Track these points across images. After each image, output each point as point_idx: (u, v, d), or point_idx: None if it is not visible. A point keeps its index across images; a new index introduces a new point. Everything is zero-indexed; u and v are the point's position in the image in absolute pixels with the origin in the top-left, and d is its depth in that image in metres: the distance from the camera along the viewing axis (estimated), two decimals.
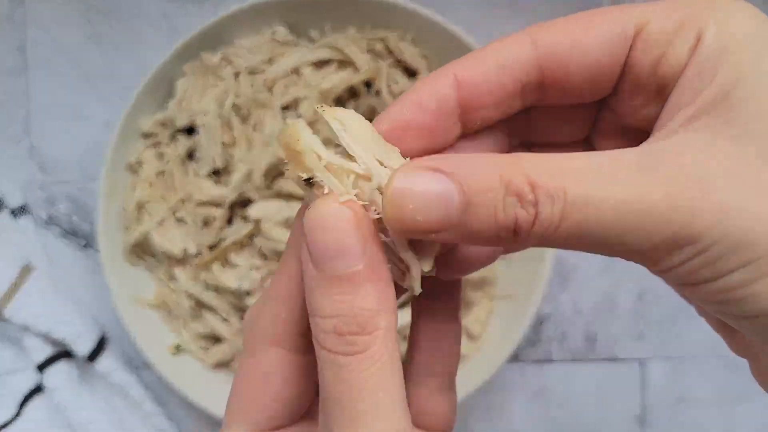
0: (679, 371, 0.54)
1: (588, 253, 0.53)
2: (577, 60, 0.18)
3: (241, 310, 0.47)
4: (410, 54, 0.46)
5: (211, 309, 0.48)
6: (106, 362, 0.50)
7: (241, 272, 0.45)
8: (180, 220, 0.47)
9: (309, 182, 0.17)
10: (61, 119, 0.53)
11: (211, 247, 0.46)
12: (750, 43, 0.17)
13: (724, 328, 0.22)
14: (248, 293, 0.45)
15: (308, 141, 0.18)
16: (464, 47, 0.44)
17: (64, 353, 0.50)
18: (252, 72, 0.46)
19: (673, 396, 0.54)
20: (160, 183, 0.47)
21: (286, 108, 0.45)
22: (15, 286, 0.49)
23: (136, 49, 0.52)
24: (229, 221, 0.47)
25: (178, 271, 0.48)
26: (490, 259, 0.22)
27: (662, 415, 0.55)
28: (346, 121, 0.18)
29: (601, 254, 0.17)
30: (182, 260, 0.47)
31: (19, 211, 0.53)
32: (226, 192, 0.45)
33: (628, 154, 0.16)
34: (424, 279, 0.19)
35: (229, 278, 0.45)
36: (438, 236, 0.17)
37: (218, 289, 0.47)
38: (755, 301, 0.16)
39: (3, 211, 0.52)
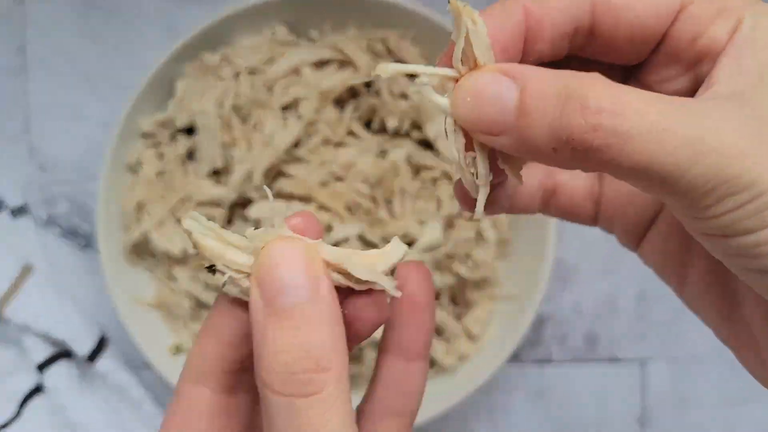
0: (680, 372, 0.54)
1: (589, 254, 0.53)
2: (627, 16, 0.19)
3: None
4: (410, 54, 0.46)
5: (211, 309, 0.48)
6: (106, 362, 0.50)
7: None
8: (180, 221, 0.47)
9: (211, 269, 0.18)
10: (60, 119, 0.53)
11: None
12: None
13: (717, 315, 0.23)
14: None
15: (201, 236, 0.18)
16: None
17: (64, 353, 0.50)
18: (252, 72, 0.46)
19: (674, 397, 0.54)
20: (160, 183, 0.47)
21: (286, 108, 0.45)
22: (15, 286, 0.49)
23: (135, 49, 0.52)
24: (230, 221, 0.47)
25: (178, 271, 0.48)
26: (531, 208, 0.23)
27: (663, 416, 0.54)
28: (479, 25, 0.18)
29: (649, 190, 0.17)
30: (182, 260, 0.47)
31: (19, 211, 0.53)
32: (226, 192, 0.45)
33: (694, 101, 0.17)
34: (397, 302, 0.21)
35: None
36: (497, 140, 0.17)
37: (218, 290, 0.47)
38: None
39: (3, 212, 0.52)
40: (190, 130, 0.47)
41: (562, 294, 0.53)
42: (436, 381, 0.49)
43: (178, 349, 0.49)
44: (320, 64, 0.46)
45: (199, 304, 0.48)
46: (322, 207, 0.44)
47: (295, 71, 0.46)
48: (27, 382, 0.52)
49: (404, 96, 0.46)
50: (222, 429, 0.18)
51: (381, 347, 0.22)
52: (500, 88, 0.17)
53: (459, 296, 0.45)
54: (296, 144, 0.45)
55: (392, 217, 0.44)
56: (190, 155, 0.48)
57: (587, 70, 0.20)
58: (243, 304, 0.19)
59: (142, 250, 0.49)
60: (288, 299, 0.16)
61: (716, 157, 0.16)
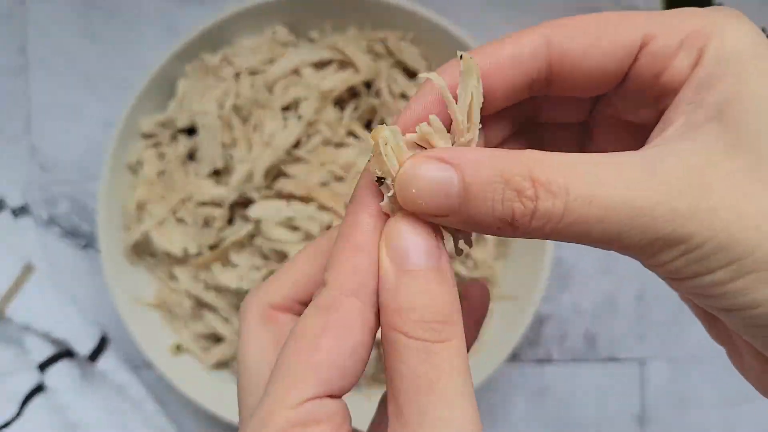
0: (679, 372, 0.54)
1: (588, 254, 0.53)
2: (586, 65, 0.20)
3: None
4: (410, 54, 0.46)
5: (211, 309, 0.48)
6: (106, 362, 0.50)
7: (242, 272, 0.45)
8: (180, 220, 0.47)
9: (380, 181, 0.19)
10: (61, 119, 0.53)
11: (212, 247, 0.46)
12: (745, 63, 0.18)
13: (704, 315, 0.24)
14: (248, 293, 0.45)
15: (391, 143, 0.19)
16: (464, 47, 0.44)
17: (65, 353, 0.51)
18: (252, 72, 0.46)
19: (674, 397, 0.55)
20: (161, 183, 0.47)
21: (286, 108, 0.45)
22: (16, 286, 0.49)
23: (136, 49, 0.53)
24: (230, 221, 0.47)
25: (179, 271, 0.48)
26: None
27: (662, 415, 0.55)
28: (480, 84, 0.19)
29: (598, 248, 0.18)
30: (182, 260, 0.48)
31: (20, 211, 0.53)
32: (227, 192, 0.45)
33: (628, 157, 0.18)
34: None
35: (229, 278, 0.45)
36: (443, 220, 0.18)
37: (218, 289, 0.47)
38: (736, 296, 0.18)
39: (4, 211, 0.52)
40: (190, 131, 0.47)
41: (562, 294, 0.53)
42: None
43: (178, 349, 0.49)
44: (320, 65, 0.46)
45: (200, 304, 0.48)
46: (322, 207, 0.44)
47: (296, 72, 0.46)
48: (28, 381, 0.52)
49: (404, 96, 0.46)
50: (368, 345, 0.19)
51: None
52: (442, 176, 0.18)
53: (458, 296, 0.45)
54: (296, 144, 0.45)
55: None
56: (191, 155, 0.48)
57: (554, 103, 0.21)
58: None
59: (142, 250, 0.49)
60: (423, 262, 0.19)
61: (647, 219, 0.17)
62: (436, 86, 0.19)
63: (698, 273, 0.17)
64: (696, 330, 0.55)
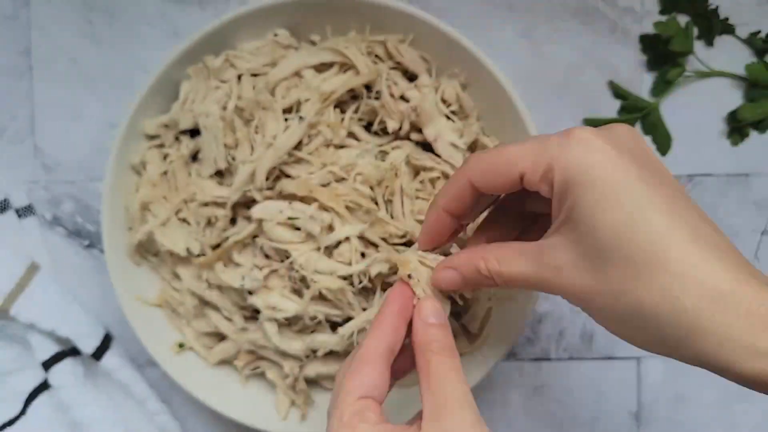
0: (675, 370, 0.55)
1: None
2: (494, 190, 0.34)
3: (243, 309, 0.48)
4: (409, 56, 0.47)
5: (214, 307, 0.48)
6: (110, 360, 0.51)
7: (244, 271, 0.46)
8: (183, 220, 0.48)
9: (409, 276, 0.36)
10: (64, 120, 0.53)
11: (214, 247, 0.47)
12: (580, 181, 0.29)
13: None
14: (250, 292, 0.46)
15: (413, 259, 0.37)
16: (462, 49, 0.45)
17: (69, 351, 0.51)
18: (254, 74, 0.47)
19: (670, 394, 0.55)
20: (164, 184, 0.48)
21: (288, 110, 0.46)
22: (20, 285, 0.50)
23: (138, 51, 0.53)
24: (233, 221, 0.47)
25: (182, 271, 0.48)
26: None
27: (659, 413, 0.55)
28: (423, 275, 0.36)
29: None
30: (186, 260, 0.48)
31: (24, 211, 0.53)
32: (229, 192, 0.46)
33: (531, 246, 0.32)
34: None
35: (232, 277, 0.46)
36: (451, 291, 0.36)
37: (221, 288, 0.47)
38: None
39: (8, 212, 0.52)
40: (193, 132, 0.48)
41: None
42: None
43: (181, 347, 0.50)
44: (322, 68, 0.47)
45: (203, 302, 0.49)
46: (323, 207, 0.44)
47: (297, 74, 0.46)
48: (32, 379, 0.52)
49: (404, 98, 0.46)
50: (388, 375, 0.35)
51: None
52: (451, 275, 0.35)
53: (457, 295, 0.46)
54: (298, 145, 0.45)
55: (392, 217, 0.45)
56: (194, 156, 0.48)
57: (528, 203, 0.37)
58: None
59: (146, 250, 0.49)
60: (438, 319, 0.35)
61: (532, 285, 0.32)
62: (435, 210, 0.36)
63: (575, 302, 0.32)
64: None
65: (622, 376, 0.55)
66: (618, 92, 0.53)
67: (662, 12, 0.53)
